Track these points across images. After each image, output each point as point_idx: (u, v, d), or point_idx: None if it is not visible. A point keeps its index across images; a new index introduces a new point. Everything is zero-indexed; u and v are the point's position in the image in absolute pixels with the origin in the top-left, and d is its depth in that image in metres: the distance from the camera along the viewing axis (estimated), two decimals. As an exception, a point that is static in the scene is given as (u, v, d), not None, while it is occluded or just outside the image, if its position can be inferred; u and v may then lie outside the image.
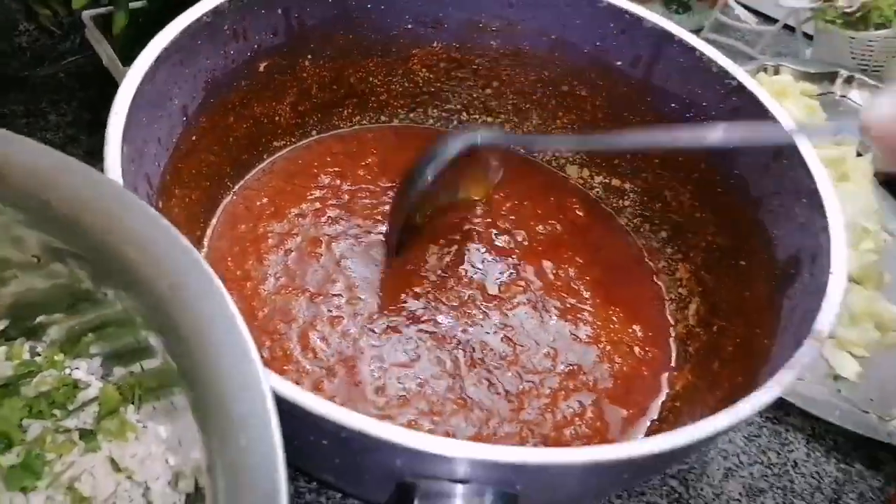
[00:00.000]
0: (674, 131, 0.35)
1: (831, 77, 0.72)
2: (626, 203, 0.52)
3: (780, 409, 0.47)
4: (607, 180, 0.53)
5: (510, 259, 0.47)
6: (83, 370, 0.33)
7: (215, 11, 0.40)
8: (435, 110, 0.54)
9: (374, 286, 0.43)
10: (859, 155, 0.62)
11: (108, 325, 0.32)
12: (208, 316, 0.25)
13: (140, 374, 0.32)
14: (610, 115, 0.51)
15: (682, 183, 0.48)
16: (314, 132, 0.51)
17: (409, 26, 0.50)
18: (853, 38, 0.72)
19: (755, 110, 0.43)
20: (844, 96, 0.72)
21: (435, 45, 0.51)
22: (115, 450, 0.31)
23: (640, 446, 0.25)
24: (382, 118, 0.54)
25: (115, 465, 0.31)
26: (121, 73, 0.51)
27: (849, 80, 0.72)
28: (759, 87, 0.42)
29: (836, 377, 0.49)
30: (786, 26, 0.79)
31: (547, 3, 0.48)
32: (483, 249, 0.47)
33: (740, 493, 0.43)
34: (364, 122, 0.53)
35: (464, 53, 0.52)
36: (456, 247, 0.47)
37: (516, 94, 0.53)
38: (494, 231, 0.48)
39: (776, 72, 0.70)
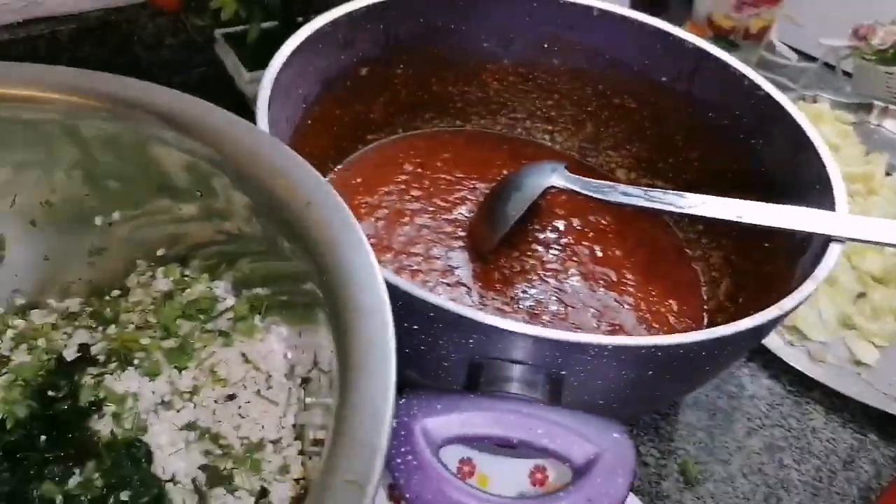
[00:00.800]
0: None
1: (867, 108, 0.78)
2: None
3: (803, 385, 0.52)
4: (651, 182, 0.60)
5: (565, 240, 0.54)
6: (221, 289, 0.42)
7: (333, 23, 0.49)
8: (502, 118, 0.63)
9: (447, 251, 0.51)
10: (888, 174, 0.67)
11: (244, 256, 0.41)
12: (336, 225, 0.33)
13: (267, 292, 0.40)
14: (655, 123, 0.58)
15: (717, 182, 0.55)
16: (400, 130, 0.60)
17: (484, 45, 0.59)
18: (889, 73, 0.78)
19: (780, 118, 0.50)
20: (880, 125, 0.78)
21: (505, 61, 0.60)
22: (245, 347, 0.39)
23: (661, 338, 0.32)
24: (458, 122, 0.63)
25: (245, 358, 0.39)
26: (244, 78, 0.62)
27: (884, 111, 0.77)
28: (782, 95, 0.50)
29: (858, 363, 0.54)
30: (827, 64, 0.86)
31: (602, 27, 0.57)
32: (543, 230, 0.55)
33: (760, 449, 0.48)
34: (442, 124, 0.62)
35: (529, 69, 0.60)
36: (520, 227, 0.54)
37: (574, 105, 0.61)
38: (553, 218, 0.56)
39: (814, 101, 0.77)
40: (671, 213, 0.53)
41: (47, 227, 0.42)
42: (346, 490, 0.24)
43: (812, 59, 0.87)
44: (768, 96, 0.50)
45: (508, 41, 0.59)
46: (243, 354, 0.39)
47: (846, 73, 0.86)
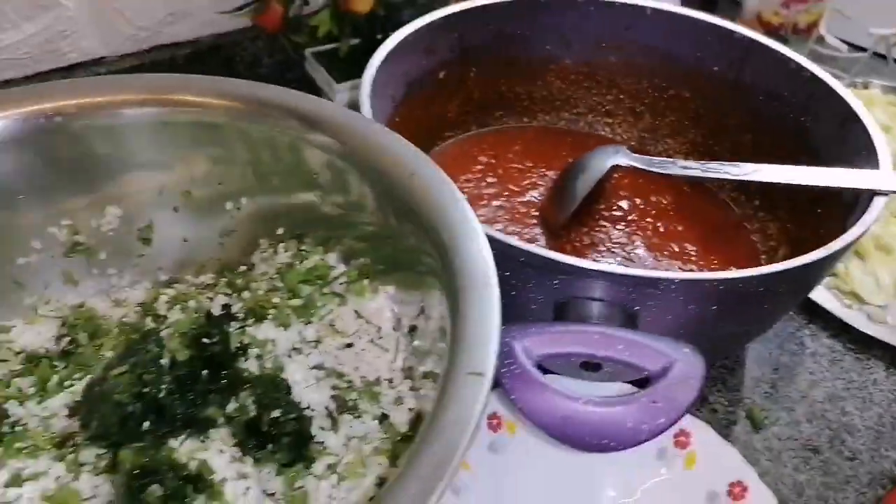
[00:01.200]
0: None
1: (918, 92, 0.80)
2: (726, 182, 0.63)
3: (863, 343, 0.56)
4: (708, 163, 0.65)
5: (631, 216, 0.59)
6: (333, 259, 0.49)
7: (416, 32, 0.57)
8: (565, 113, 0.69)
9: (522, 228, 0.57)
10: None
11: (353, 229, 0.47)
12: (437, 189, 0.40)
13: (373, 259, 0.47)
14: (709, 110, 0.63)
15: (769, 160, 0.59)
16: (473, 127, 0.67)
17: (548, 47, 0.65)
18: (939, 58, 0.81)
19: (826, 95, 0.54)
20: (931, 108, 0.80)
21: (566, 61, 0.66)
22: (357, 305, 0.46)
23: (722, 273, 0.37)
24: (525, 119, 0.69)
25: (358, 314, 0.46)
26: (333, 90, 0.70)
27: (936, 95, 0.80)
28: (826, 74, 0.54)
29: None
30: (877, 54, 0.89)
31: (655, 24, 0.62)
32: (609, 210, 0.60)
33: (823, 398, 0.52)
34: (510, 121, 0.69)
35: (589, 67, 0.66)
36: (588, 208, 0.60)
37: (631, 98, 0.67)
38: (617, 199, 0.61)
39: (865, 87, 0.80)
40: (729, 182, 0.58)
41: (187, 213, 0.49)
42: (469, 379, 0.30)
43: (862, 49, 0.90)
44: (814, 77, 0.55)
45: (569, 43, 0.65)
46: (356, 311, 0.45)
47: (897, 62, 0.88)
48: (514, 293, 0.40)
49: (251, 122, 0.45)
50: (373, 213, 0.45)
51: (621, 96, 0.67)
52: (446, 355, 0.34)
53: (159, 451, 0.36)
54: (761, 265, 0.57)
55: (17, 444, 0.38)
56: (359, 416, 0.41)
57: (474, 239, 0.37)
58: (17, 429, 0.39)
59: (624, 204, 0.61)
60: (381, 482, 0.37)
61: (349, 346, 0.44)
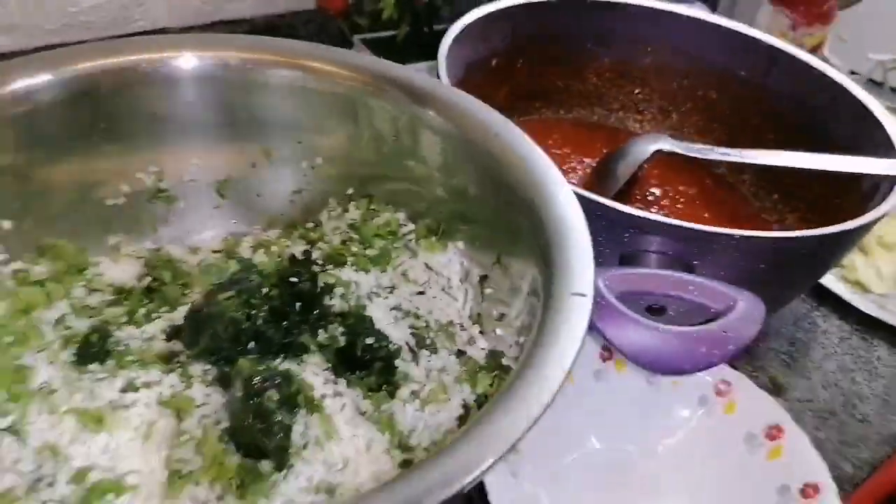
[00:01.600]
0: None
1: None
2: (746, 177, 0.69)
3: (869, 325, 0.61)
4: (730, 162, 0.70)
5: (663, 202, 0.65)
6: (402, 217, 0.52)
7: (476, 20, 0.61)
8: (599, 108, 0.74)
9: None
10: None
11: (424, 188, 0.51)
12: (519, 145, 0.44)
13: (447, 216, 0.50)
14: (734, 111, 0.69)
15: (790, 157, 0.65)
16: (515, 116, 0.71)
17: (588, 45, 0.70)
18: (932, 84, 0.88)
19: (847, 98, 0.60)
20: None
21: (605, 59, 0.71)
22: (427, 258, 0.49)
23: (774, 232, 0.42)
24: (561, 111, 0.74)
25: (428, 266, 0.49)
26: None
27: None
28: (846, 79, 0.60)
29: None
30: (873, 81, 0.96)
31: (688, 29, 0.68)
32: (642, 196, 0.65)
33: (835, 369, 0.57)
34: (548, 112, 0.73)
35: (625, 67, 0.72)
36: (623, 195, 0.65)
37: (661, 97, 0.72)
38: (650, 186, 0.67)
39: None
40: (749, 176, 0.63)
41: (263, 169, 0.52)
42: (574, 299, 0.34)
43: (859, 74, 0.98)
44: (834, 81, 0.61)
45: (608, 43, 0.70)
46: (426, 264, 0.49)
47: (893, 89, 0.96)
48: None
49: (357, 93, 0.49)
50: (451, 171, 0.48)
51: (652, 95, 0.73)
52: (539, 286, 0.38)
53: (269, 366, 0.39)
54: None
55: (128, 358, 0.41)
56: (436, 352, 0.44)
57: (559, 183, 0.41)
58: (122, 346, 0.42)
59: (656, 191, 0.66)
60: (465, 405, 0.41)
61: (421, 293, 0.48)
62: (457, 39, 0.58)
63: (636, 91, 0.73)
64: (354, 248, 0.49)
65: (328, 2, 0.65)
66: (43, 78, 0.43)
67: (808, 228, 0.61)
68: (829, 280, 0.64)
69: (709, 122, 0.71)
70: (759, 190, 0.68)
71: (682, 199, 0.66)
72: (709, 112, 0.71)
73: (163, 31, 0.72)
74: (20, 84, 0.42)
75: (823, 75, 0.62)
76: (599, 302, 0.37)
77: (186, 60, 0.47)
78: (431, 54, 0.63)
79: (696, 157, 0.71)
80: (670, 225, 0.41)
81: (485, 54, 0.65)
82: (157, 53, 0.47)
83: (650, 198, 0.65)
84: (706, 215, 0.64)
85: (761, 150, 0.57)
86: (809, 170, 0.63)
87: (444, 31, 0.59)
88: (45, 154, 0.45)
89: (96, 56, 0.45)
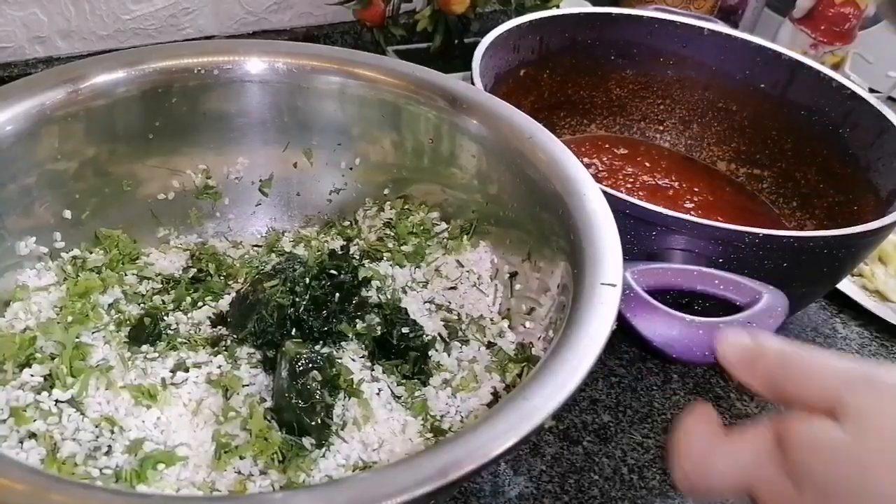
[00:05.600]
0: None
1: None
2: (765, 185, 0.71)
3: (889, 333, 0.62)
4: (749, 170, 0.72)
5: (683, 207, 0.66)
6: (435, 216, 0.54)
7: (508, 31, 0.64)
8: (621, 118, 0.76)
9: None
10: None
11: (455, 191, 0.53)
12: (551, 148, 0.46)
13: (479, 216, 0.51)
14: (753, 122, 0.71)
15: (809, 166, 0.67)
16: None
17: (612, 57, 0.73)
18: (949, 100, 0.89)
19: (864, 109, 0.62)
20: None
21: (628, 72, 0.74)
22: (459, 256, 0.51)
23: (797, 232, 0.43)
24: (585, 121, 0.76)
25: (460, 263, 0.51)
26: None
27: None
28: (866, 92, 0.62)
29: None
30: (892, 98, 0.98)
31: (710, 44, 0.70)
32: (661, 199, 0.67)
33: (855, 373, 0.58)
34: (572, 121, 0.75)
35: (647, 79, 0.74)
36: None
37: (682, 108, 0.74)
38: (667, 192, 0.68)
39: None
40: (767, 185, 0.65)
41: (304, 169, 0.55)
42: (603, 288, 0.36)
43: (878, 92, 0.99)
44: (854, 94, 0.63)
45: (631, 56, 0.73)
46: (458, 261, 0.51)
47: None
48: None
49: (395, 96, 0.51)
50: (485, 176, 0.50)
51: (674, 106, 0.75)
52: (568, 281, 0.40)
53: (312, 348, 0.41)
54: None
55: (178, 340, 0.43)
56: (467, 343, 0.46)
57: (587, 182, 0.43)
58: (171, 330, 0.44)
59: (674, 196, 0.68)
60: (494, 392, 0.43)
61: (453, 288, 0.50)
62: (489, 49, 0.61)
63: (658, 102, 0.75)
64: (390, 245, 0.52)
65: (366, 14, 0.68)
66: (118, 75, 0.46)
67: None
68: (850, 289, 0.65)
69: (729, 133, 0.73)
70: (779, 197, 0.69)
71: (702, 205, 0.67)
72: (729, 122, 0.73)
73: (209, 38, 0.76)
74: (98, 80, 0.45)
75: (843, 87, 0.63)
76: (629, 294, 0.38)
77: (243, 65, 0.50)
78: (462, 66, 0.65)
79: (714, 167, 0.74)
80: (696, 223, 0.43)
81: (514, 64, 0.67)
82: (216, 57, 0.50)
83: (670, 198, 0.67)
84: (719, 218, 0.66)
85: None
86: (827, 176, 0.65)
87: (474, 44, 0.61)
88: (110, 149, 0.48)
89: (168, 57, 0.48)
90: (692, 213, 0.66)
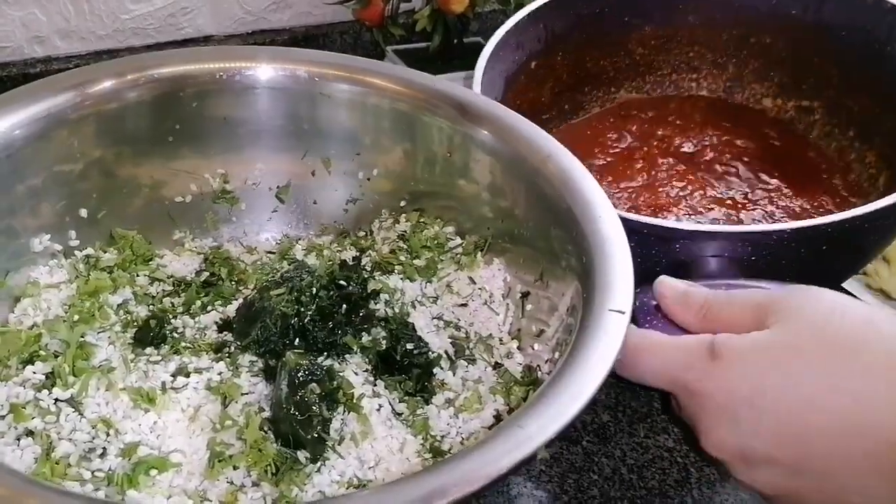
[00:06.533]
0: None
1: None
2: (817, 117, 0.64)
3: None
4: (797, 103, 0.66)
5: (722, 164, 0.62)
6: (450, 231, 0.52)
7: (507, 32, 0.61)
8: (651, 77, 0.71)
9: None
10: None
11: (471, 207, 0.51)
12: (569, 168, 0.43)
13: (494, 233, 0.50)
14: (792, 52, 0.65)
15: (860, 92, 0.60)
16: (566, 106, 0.70)
17: (626, 19, 0.68)
18: None
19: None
20: None
21: (646, 28, 0.69)
22: (471, 272, 0.49)
23: (828, 217, 0.40)
24: (612, 89, 0.72)
25: (472, 280, 0.49)
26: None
27: None
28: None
29: None
30: None
31: (729, -21, 0.64)
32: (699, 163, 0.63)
33: None
34: (598, 94, 0.71)
35: (669, 30, 0.69)
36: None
37: (713, 52, 0.69)
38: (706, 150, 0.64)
39: None
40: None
41: (322, 177, 0.55)
42: (612, 315, 0.35)
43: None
44: (893, 6, 0.56)
45: (646, 11, 0.68)
46: (470, 277, 0.50)
47: None
48: (639, 259, 0.41)
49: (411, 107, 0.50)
50: (500, 191, 0.49)
51: (704, 52, 0.69)
52: (578, 303, 0.38)
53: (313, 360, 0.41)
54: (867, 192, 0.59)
55: (182, 344, 0.43)
56: (474, 362, 0.45)
57: (603, 204, 0.41)
58: (176, 334, 0.44)
59: (712, 153, 0.63)
60: (497, 415, 0.41)
61: (464, 305, 0.49)
62: (492, 57, 0.58)
63: (686, 51, 0.70)
64: (402, 258, 0.51)
65: (365, 14, 0.68)
66: (130, 78, 0.48)
67: (888, 167, 0.58)
68: (855, 287, 0.61)
69: (768, 67, 0.67)
70: (833, 129, 0.63)
71: (743, 158, 0.62)
72: (765, 57, 0.67)
73: (208, 38, 0.77)
74: (109, 84, 0.47)
75: (881, 1, 0.56)
76: (650, 319, 0.37)
77: (262, 71, 0.51)
78: (461, 65, 0.64)
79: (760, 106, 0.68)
80: (715, 233, 0.41)
81: (522, 61, 0.64)
82: (236, 63, 0.50)
83: (707, 164, 0.62)
84: (772, 177, 0.61)
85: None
86: (881, 99, 0.58)
87: (473, 43, 0.60)
88: (126, 151, 0.49)
89: (181, 62, 0.50)
90: (733, 166, 0.62)
